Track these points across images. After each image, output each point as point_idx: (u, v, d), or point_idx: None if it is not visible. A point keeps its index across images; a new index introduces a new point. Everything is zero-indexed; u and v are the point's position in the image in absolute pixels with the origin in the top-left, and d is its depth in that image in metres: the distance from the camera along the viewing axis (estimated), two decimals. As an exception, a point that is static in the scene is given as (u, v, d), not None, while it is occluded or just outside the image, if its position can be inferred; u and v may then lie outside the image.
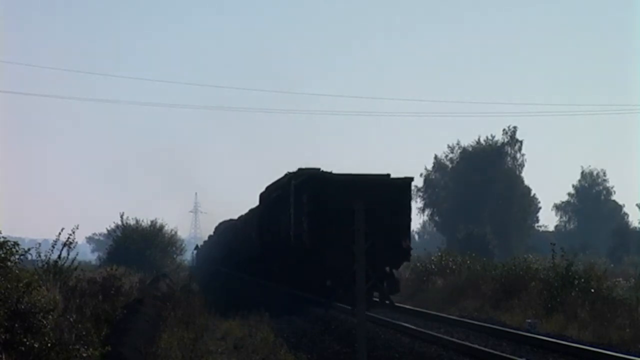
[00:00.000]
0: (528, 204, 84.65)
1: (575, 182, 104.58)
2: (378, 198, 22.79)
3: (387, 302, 24.00)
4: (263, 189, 34.88)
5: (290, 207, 26.42)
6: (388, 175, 24.92)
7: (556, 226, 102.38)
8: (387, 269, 24.47)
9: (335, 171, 25.88)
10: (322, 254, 23.81)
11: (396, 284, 24.75)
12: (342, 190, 23.30)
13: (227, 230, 57.52)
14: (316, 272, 24.33)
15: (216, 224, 74.72)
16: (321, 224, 24.03)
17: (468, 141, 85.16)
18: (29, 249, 13.07)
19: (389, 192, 24.05)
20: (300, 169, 26.80)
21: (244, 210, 45.43)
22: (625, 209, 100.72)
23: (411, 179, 25.24)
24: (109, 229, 55.06)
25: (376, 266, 22.40)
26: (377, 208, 20.77)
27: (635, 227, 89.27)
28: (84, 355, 10.37)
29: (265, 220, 33.10)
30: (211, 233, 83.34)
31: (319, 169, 26.10)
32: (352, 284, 23.92)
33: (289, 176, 27.70)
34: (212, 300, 24.49)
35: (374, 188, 23.72)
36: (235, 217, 52.99)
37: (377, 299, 24.22)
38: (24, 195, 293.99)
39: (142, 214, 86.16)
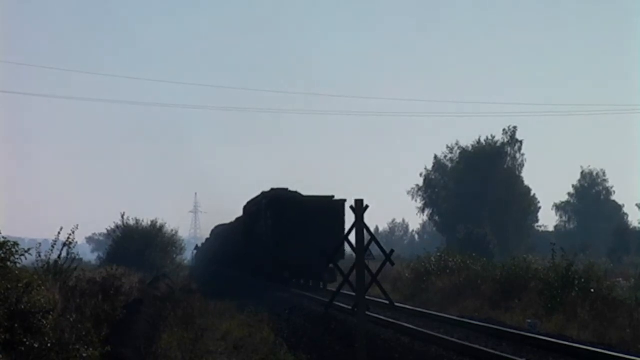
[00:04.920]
0: (528, 204, 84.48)
1: (575, 182, 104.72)
2: (322, 213, 31.68)
3: (388, 301, 24.68)
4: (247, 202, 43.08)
5: (262, 219, 35.25)
6: (332, 196, 32.89)
7: (556, 226, 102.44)
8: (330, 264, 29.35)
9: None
10: (282, 254, 32.61)
11: (335, 275, 30.51)
12: (297, 208, 32.58)
13: (221, 233, 63.18)
14: (278, 267, 33.29)
15: (216, 223, 76.19)
16: (280, 232, 32.69)
17: (468, 141, 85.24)
18: (28, 249, 13.04)
19: (330, 209, 31.87)
20: (272, 189, 35.21)
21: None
22: (625, 209, 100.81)
23: (345, 200, 31.77)
24: (109, 229, 54.96)
25: (322, 261, 27.16)
26: (321, 219, 31.13)
27: (635, 227, 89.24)
28: (84, 355, 10.37)
29: (247, 227, 40.65)
30: (209, 234, 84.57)
31: (286, 189, 34.83)
32: (304, 275, 33.58)
33: (262, 195, 36.13)
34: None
35: (319, 206, 32.18)
36: (234, 218, 54.01)
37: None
38: (24, 195, 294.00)
39: (142, 214, 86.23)
